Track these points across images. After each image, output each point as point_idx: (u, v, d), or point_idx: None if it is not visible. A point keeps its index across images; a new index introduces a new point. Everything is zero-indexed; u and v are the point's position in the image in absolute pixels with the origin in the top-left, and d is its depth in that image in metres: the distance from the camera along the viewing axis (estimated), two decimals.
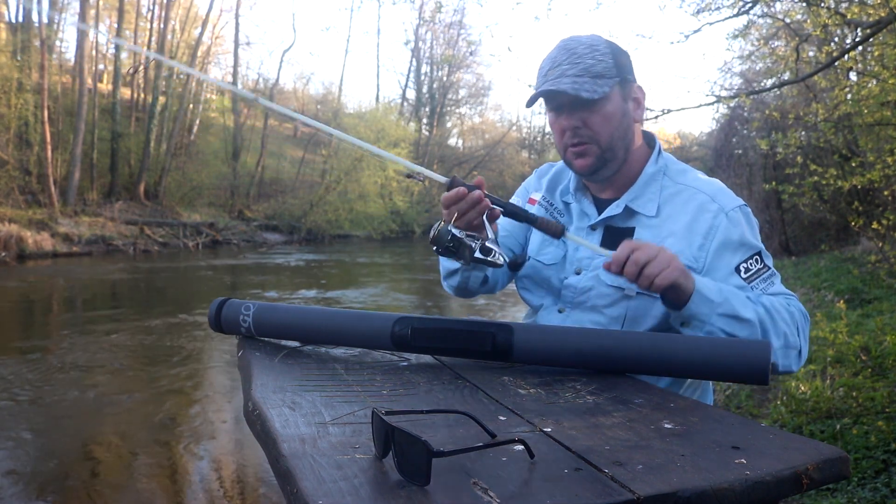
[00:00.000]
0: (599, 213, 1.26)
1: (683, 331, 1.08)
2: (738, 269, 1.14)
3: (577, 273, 1.24)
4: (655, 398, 0.86)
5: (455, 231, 1.08)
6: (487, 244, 1.07)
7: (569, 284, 1.25)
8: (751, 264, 1.15)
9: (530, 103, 1.23)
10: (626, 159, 1.23)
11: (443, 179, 1.12)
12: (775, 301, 1.11)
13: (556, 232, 1.13)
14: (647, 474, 0.60)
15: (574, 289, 1.24)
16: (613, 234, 1.23)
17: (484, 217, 1.09)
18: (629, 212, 1.23)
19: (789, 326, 1.09)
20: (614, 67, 1.18)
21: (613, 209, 1.24)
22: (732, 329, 1.04)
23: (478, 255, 1.07)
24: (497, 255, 1.07)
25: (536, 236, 1.34)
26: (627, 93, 1.22)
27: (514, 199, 1.43)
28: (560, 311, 1.26)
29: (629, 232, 1.21)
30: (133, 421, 4.77)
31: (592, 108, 1.17)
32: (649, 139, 1.30)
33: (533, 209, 1.36)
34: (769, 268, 1.17)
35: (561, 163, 1.40)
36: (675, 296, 1.04)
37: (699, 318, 1.05)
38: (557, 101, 1.20)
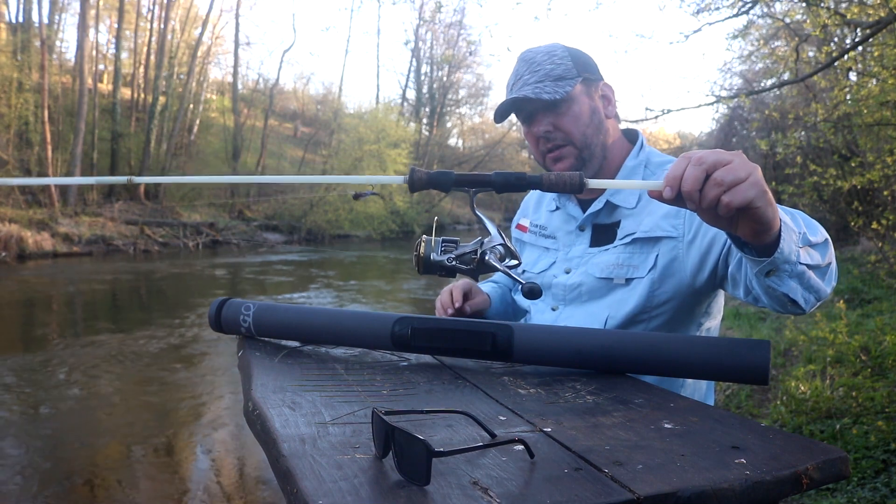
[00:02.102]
0: (584, 213, 1.27)
1: (767, 280, 0.87)
2: None
3: (567, 272, 1.26)
4: (655, 398, 0.86)
5: (445, 238, 0.93)
6: (497, 247, 0.89)
7: (559, 283, 1.26)
8: None
9: (499, 118, 1.25)
10: (605, 156, 1.24)
11: (399, 180, 0.91)
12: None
13: (574, 185, 0.89)
14: (647, 474, 0.60)
15: (564, 286, 1.25)
16: (601, 231, 1.24)
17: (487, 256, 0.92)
18: (611, 206, 1.24)
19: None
20: (574, 68, 1.20)
21: (595, 206, 1.25)
22: (813, 260, 0.88)
23: (493, 262, 0.89)
24: (509, 255, 0.90)
25: (532, 254, 1.36)
26: (593, 91, 1.23)
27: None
28: (553, 309, 1.27)
29: (615, 227, 1.22)
30: (133, 421, 4.77)
31: (559, 110, 1.19)
32: (631, 135, 1.31)
33: (524, 236, 1.40)
34: None
35: None
36: (753, 230, 0.77)
37: (789, 261, 0.83)
38: (525, 110, 1.22)
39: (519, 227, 1.43)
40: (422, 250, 0.92)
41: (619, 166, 1.26)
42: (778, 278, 0.86)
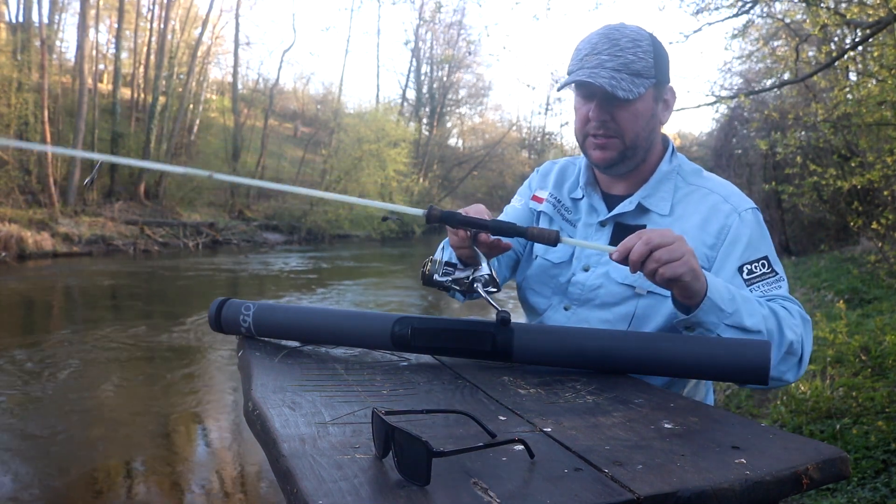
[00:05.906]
0: (609, 210, 1.25)
1: (688, 334, 1.03)
2: (740, 270, 1.14)
3: (586, 270, 1.23)
4: (655, 398, 0.86)
5: (447, 262, 1.08)
6: (480, 275, 1.04)
7: (577, 281, 1.23)
8: (755, 267, 1.14)
9: (562, 87, 1.20)
10: (644, 158, 1.23)
11: (419, 212, 1.06)
12: (787, 306, 1.09)
13: (550, 239, 1.03)
14: (647, 474, 0.60)
15: (582, 286, 1.22)
16: (623, 231, 1.21)
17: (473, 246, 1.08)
18: (641, 209, 1.22)
19: (795, 335, 1.05)
20: (653, 68, 1.16)
21: (626, 206, 1.23)
22: (737, 337, 1.01)
23: (479, 289, 1.04)
24: (492, 284, 1.04)
25: (549, 227, 1.33)
26: (660, 94, 1.21)
27: (516, 198, 1.43)
28: (566, 309, 1.24)
29: (640, 229, 1.20)
30: (133, 421, 4.77)
31: (624, 106, 1.16)
32: (663, 139, 1.30)
33: (540, 207, 1.36)
34: (776, 272, 1.14)
35: (564, 160, 1.41)
36: (683, 295, 0.97)
37: (706, 327, 0.99)
38: (590, 90, 1.18)
39: (535, 198, 1.38)
40: (428, 268, 1.08)
41: (653, 169, 1.25)
42: (693, 334, 1.02)
